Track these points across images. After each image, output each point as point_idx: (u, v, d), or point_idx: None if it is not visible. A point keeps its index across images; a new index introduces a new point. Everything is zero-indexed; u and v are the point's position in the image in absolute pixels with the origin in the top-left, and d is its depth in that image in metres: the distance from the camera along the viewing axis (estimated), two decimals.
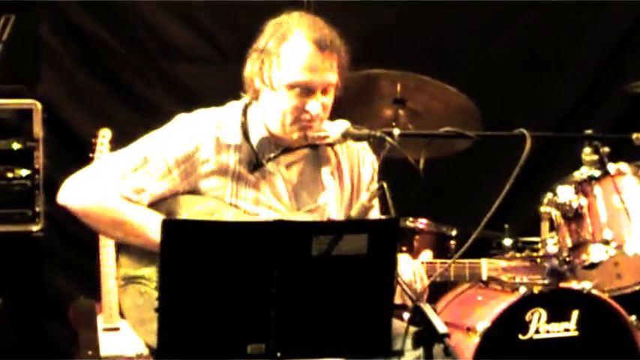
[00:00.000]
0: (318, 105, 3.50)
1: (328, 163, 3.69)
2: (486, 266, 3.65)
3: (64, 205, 3.55)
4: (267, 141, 3.59)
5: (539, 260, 3.65)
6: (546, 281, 3.57)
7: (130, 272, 3.54)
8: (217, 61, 5.78)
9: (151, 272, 3.49)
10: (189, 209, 3.52)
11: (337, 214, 3.66)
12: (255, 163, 3.58)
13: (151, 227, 3.44)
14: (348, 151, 3.73)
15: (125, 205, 3.50)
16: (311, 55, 3.48)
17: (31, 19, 5.43)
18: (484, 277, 3.71)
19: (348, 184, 3.73)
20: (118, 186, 3.51)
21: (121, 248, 3.59)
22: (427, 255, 3.64)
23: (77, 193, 3.52)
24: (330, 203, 3.66)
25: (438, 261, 3.61)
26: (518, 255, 3.59)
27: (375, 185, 3.66)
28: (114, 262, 4.72)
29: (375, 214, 3.67)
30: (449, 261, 3.61)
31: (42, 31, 5.56)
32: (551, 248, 4.70)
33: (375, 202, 3.66)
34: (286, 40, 3.50)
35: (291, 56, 3.49)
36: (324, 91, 3.52)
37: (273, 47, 3.51)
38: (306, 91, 3.49)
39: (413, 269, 3.54)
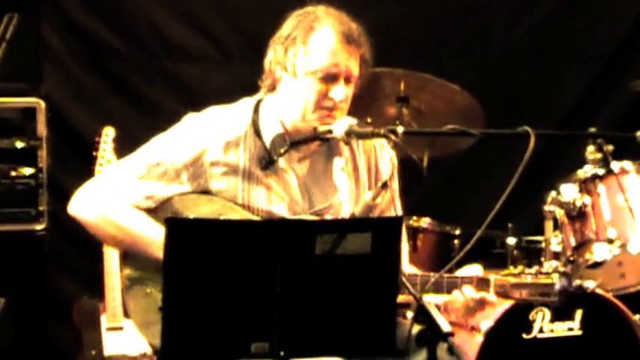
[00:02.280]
0: (342, 91, 3.49)
1: (340, 159, 3.65)
2: (494, 283, 3.51)
3: (74, 217, 3.55)
4: (281, 137, 3.56)
5: (549, 278, 3.53)
6: (555, 300, 3.44)
7: (134, 273, 3.52)
8: (220, 61, 5.78)
9: (155, 274, 3.47)
10: (194, 210, 3.50)
11: (349, 209, 3.61)
12: (268, 159, 3.56)
13: (153, 244, 3.43)
14: (365, 147, 3.68)
15: (132, 218, 3.48)
16: (338, 45, 3.49)
17: (34, 18, 5.43)
18: (491, 292, 3.54)
19: (365, 179, 3.68)
20: (127, 195, 3.50)
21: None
22: (476, 269, 3.54)
23: (86, 205, 3.52)
24: (342, 199, 3.62)
25: (446, 275, 3.50)
26: (527, 271, 3.50)
27: (396, 182, 3.66)
28: (117, 261, 4.71)
29: (399, 209, 3.66)
30: (454, 274, 3.51)
31: (45, 30, 5.55)
32: (555, 247, 4.71)
33: (397, 201, 3.66)
34: (315, 29, 3.51)
35: (319, 44, 3.49)
36: (347, 81, 3.52)
37: (300, 36, 3.51)
38: (330, 77, 3.49)
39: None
